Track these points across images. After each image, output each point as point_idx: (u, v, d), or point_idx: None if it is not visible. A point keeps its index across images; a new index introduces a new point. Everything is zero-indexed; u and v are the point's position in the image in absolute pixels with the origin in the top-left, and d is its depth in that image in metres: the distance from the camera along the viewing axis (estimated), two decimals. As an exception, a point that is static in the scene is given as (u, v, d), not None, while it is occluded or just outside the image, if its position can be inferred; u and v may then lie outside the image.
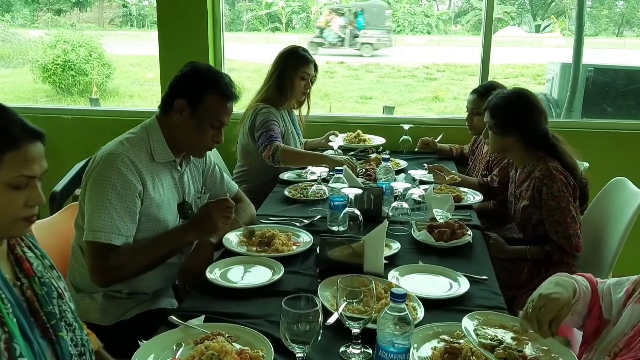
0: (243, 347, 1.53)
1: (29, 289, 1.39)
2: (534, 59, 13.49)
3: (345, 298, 1.55)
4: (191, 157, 2.34)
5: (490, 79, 4.08)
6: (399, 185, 2.51)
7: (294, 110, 3.57)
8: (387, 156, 2.69)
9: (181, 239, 2.16)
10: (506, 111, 2.68)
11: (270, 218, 2.55)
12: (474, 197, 2.89)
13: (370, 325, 1.56)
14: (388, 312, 1.35)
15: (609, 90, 4.99)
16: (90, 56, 8.86)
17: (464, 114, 3.47)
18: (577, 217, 2.56)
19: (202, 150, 2.27)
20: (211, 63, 3.90)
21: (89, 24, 13.92)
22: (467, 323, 1.58)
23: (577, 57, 4.94)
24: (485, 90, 3.30)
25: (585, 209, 2.67)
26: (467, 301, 1.85)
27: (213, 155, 2.55)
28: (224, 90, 2.16)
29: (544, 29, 18.06)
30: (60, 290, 1.48)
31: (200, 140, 2.19)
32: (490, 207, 3.13)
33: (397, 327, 1.34)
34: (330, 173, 2.95)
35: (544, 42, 16.73)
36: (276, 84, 3.29)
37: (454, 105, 9.70)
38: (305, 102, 3.50)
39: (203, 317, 1.69)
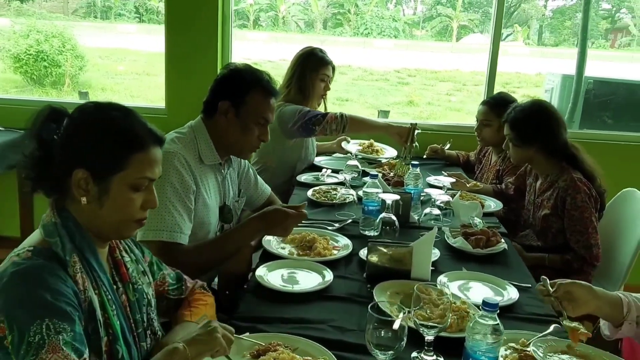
0: (305, 358, 1.50)
1: (123, 294, 1.39)
2: (500, 67, 13.74)
3: (407, 304, 1.56)
4: (231, 160, 2.33)
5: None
6: (433, 191, 2.54)
7: None
8: (417, 163, 2.72)
9: (252, 236, 2.14)
10: (525, 123, 2.75)
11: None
12: (493, 204, 2.95)
13: (443, 334, 1.59)
14: (480, 321, 1.37)
15: (609, 102, 5.18)
16: (64, 47, 8.64)
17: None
18: (598, 227, 2.65)
19: (249, 150, 2.26)
20: (219, 62, 3.86)
21: (56, 14, 13.55)
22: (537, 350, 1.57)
23: (579, 69, 5.12)
24: (495, 102, 3.36)
25: (601, 217, 2.75)
26: (519, 309, 1.89)
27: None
28: (266, 86, 2.17)
29: (506, 37, 18.43)
30: (149, 297, 1.48)
31: (247, 140, 2.18)
32: (501, 214, 3.19)
33: (490, 336, 1.36)
34: (350, 176, 2.96)
35: (508, 50, 17.09)
36: (298, 86, 3.27)
37: (430, 110, 9.83)
38: (322, 104, 3.49)
39: (248, 333, 1.61)
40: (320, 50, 3.38)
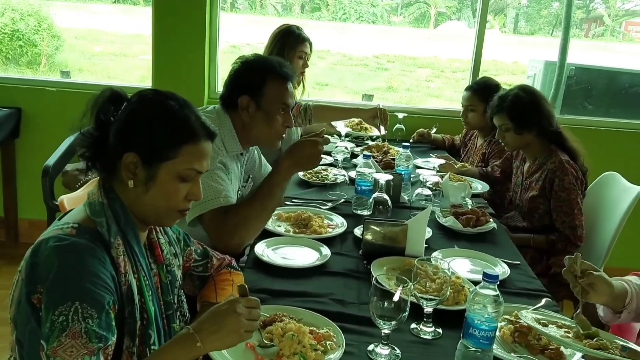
0: (311, 328, 1.53)
1: (155, 275, 1.41)
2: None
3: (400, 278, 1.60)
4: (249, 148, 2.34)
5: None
6: (426, 172, 2.61)
7: None
8: (408, 144, 2.77)
9: (288, 175, 2.12)
10: (522, 110, 2.80)
11: (294, 200, 2.59)
12: (480, 186, 3.02)
13: (440, 307, 1.65)
14: (481, 292, 1.43)
15: (590, 89, 5.31)
16: (40, 27, 8.50)
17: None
18: (582, 209, 2.73)
19: (277, 140, 2.22)
20: (206, 44, 3.85)
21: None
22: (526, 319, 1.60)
23: (562, 56, 5.23)
24: (478, 87, 3.44)
25: (585, 196, 2.83)
26: (510, 284, 1.96)
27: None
28: (280, 72, 2.16)
29: (482, 25, 18.49)
30: (179, 280, 1.50)
31: (274, 130, 2.17)
32: (485, 196, 3.26)
33: (490, 306, 1.42)
34: (342, 157, 2.99)
35: (485, 38, 17.17)
36: None
37: (409, 96, 9.87)
38: (302, 84, 3.48)
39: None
40: (297, 28, 3.35)
